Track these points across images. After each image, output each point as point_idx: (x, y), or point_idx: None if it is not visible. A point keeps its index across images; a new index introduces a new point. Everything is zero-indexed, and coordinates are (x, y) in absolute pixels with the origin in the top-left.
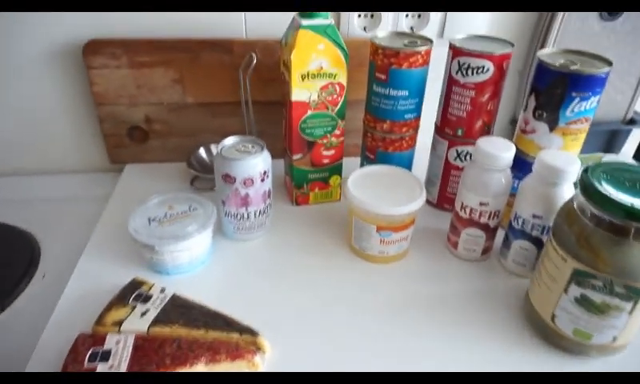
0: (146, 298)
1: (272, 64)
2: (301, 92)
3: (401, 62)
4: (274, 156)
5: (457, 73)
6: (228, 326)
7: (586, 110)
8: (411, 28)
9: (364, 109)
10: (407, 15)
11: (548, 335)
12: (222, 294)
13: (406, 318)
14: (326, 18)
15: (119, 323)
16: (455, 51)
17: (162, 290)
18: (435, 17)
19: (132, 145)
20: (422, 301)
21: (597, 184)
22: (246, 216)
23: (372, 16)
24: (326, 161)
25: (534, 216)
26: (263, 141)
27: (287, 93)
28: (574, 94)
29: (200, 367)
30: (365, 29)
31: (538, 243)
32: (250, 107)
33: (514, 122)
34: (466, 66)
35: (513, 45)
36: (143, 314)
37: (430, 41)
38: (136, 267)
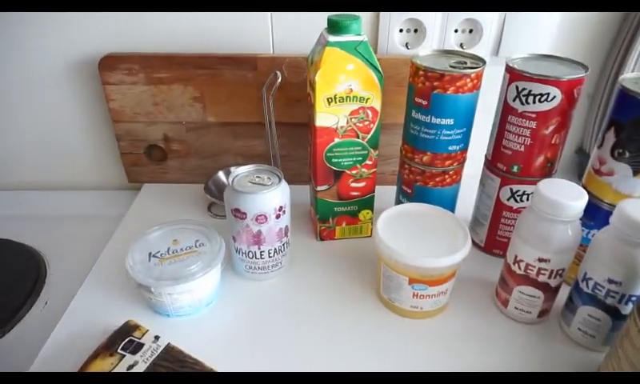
0: (136, 348)
1: (300, 82)
2: (326, 117)
3: (446, 86)
4: (301, 181)
5: (514, 100)
6: None
7: None
8: (461, 45)
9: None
10: (456, 30)
11: None
12: (227, 342)
13: None
14: (358, 34)
15: None
16: (513, 74)
17: (156, 338)
18: (489, 32)
19: (150, 164)
20: (461, 368)
21: None
22: (258, 255)
23: (416, 31)
24: (354, 193)
25: (610, 281)
26: (281, 171)
27: (312, 117)
28: None
29: None
30: (407, 45)
31: (614, 313)
32: (274, 129)
33: (580, 151)
34: (526, 92)
35: (586, 68)
36: (130, 367)
37: (482, 61)
38: (136, 305)
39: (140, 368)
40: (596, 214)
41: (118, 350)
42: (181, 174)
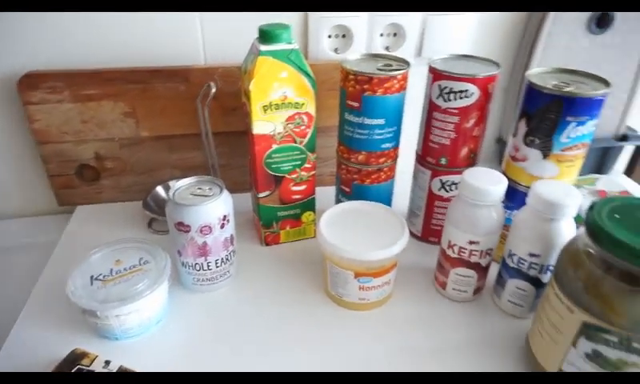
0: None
1: (234, 91)
2: (263, 124)
3: (375, 88)
4: (242, 190)
5: (438, 97)
6: None
7: (582, 135)
8: (386, 48)
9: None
10: (382, 34)
11: None
12: (181, 358)
13: (393, 370)
14: (289, 43)
15: None
16: (436, 74)
17: (107, 363)
18: (412, 35)
19: (82, 185)
20: (408, 350)
21: (606, 225)
22: (205, 266)
23: (344, 36)
24: (296, 197)
25: (531, 254)
26: (222, 181)
27: (249, 125)
28: (569, 119)
29: None
30: (336, 50)
31: (537, 283)
32: (211, 139)
33: (500, 141)
34: (447, 90)
35: (499, 65)
36: None
37: (407, 63)
38: (81, 332)
39: None
40: (515, 196)
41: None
42: (116, 192)
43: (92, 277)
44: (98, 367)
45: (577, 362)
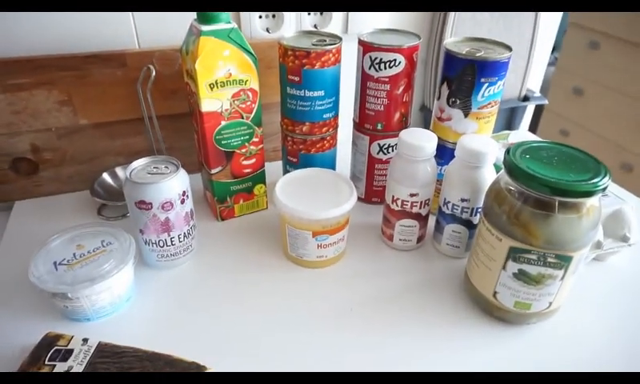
0: (65, 355)
1: (173, 74)
2: (211, 102)
3: (313, 61)
4: (190, 171)
5: (370, 68)
6: (170, 366)
7: (494, 93)
8: (315, 26)
9: (279, 112)
10: (309, 13)
11: (491, 310)
12: (156, 331)
13: (353, 317)
14: (227, 23)
15: None
16: (366, 47)
17: (85, 341)
18: (338, 13)
19: (19, 179)
20: (367, 298)
21: (520, 164)
22: (169, 242)
23: (274, 16)
24: (247, 170)
25: (462, 200)
26: (177, 159)
27: (196, 104)
28: (482, 80)
29: None
30: (268, 30)
31: (469, 225)
32: (156, 123)
33: (423, 108)
34: (377, 60)
35: (419, 37)
36: (66, 373)
37: (339, 38)
38: (47, 320)
39: (77, 370)
40: (444, 153)
41: (46, 362)
42: (57, 184)
43: (55, 262)
44: (76, 346)
45: (507, 282)
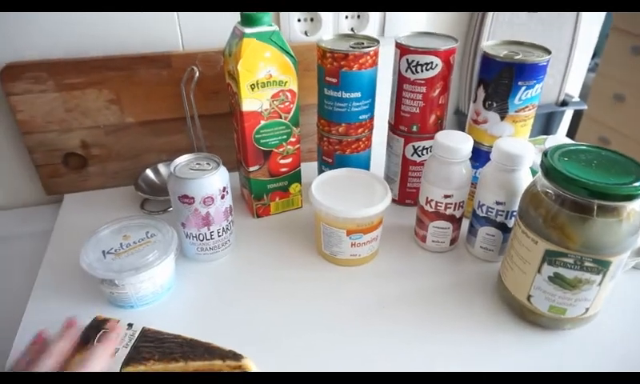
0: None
1: (214, 75)
2: (251, 102)
3: (351, 64)
4: (227, 170)
5: (406, 70)
6: (209, 353)
7: (532, 97)
8: (352, 29)
9: (316, 113)
10: (347, 16)
11: (525, 314)
12: (194, 320)
13: (386, 317)
14: (269, 26)
15: None
16: (403, 49)
17: (130, 326)
18: (374, 16)
19: (69, 173)
20: (399, 297)
21: (558, 166)
22: (208, 236)
23: (312, 20)
24: (284, 169)
25: (497, 203)
26: (218, 156)
27: (237, 104)
28: (520, 83)
29: None
30: (306, 33)
31: (503, 228)
32: (197, 122)
33: (457, 112)
34: (414, 63)
35: (456, 40)
36: (113, 355)
37: (377, 41)
38: (94, 305)
39: (122, 353)
40: (479, 156)
41: (95, 343)
42: (103, 178)
43: (104, 251)
44: (122, 330)
45: (542, 285)
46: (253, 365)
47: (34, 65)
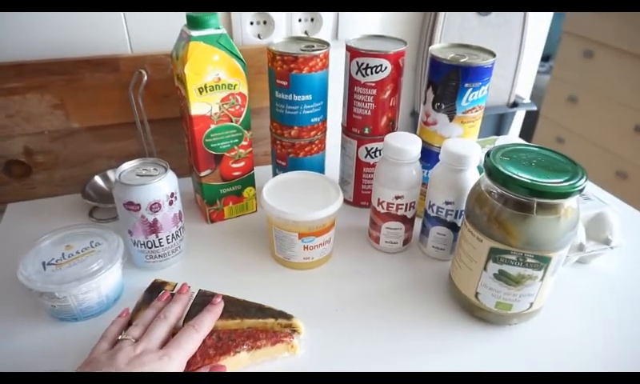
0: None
1: (164, 79)
2: (200, 106)
3: (301, 66)
4: (180, 175)
5: (357, 73)
6: (262, 312)
7: (478, 98)
8: (305, 32)
9: (269, 117)
10: (300, 19)
11: (473, 311)
12: None
13: (340, 318)
14: (217, 28)
15: None
16: (353, 52)
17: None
18: (328, 19)
19: (11, 181)
20: (353, 299)
21: (500, 167)
22: (157, 243)
23: (265, 22)
24: (236, 173)
25: (447, 202)
26: (165, 161)
27: (186, 108)
28: (466, 85)
29: (243, 355)
30: (259, 36)
31: (453, 227)
32: (147, 127)
33: (414, 114)
34: (364, 65)
35: (405, 42)
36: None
37: (327, 43)
38: (36, 319)
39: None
40: (430, 156)
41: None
42: (50, 186)
43: (44, 262)
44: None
45: (488, 282)
46: (302, 324)
47: None
